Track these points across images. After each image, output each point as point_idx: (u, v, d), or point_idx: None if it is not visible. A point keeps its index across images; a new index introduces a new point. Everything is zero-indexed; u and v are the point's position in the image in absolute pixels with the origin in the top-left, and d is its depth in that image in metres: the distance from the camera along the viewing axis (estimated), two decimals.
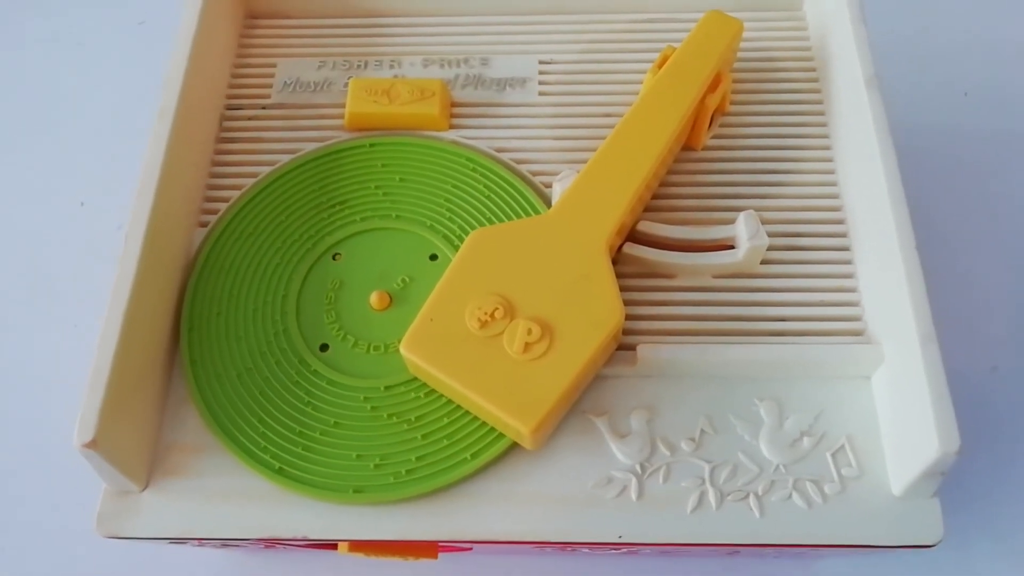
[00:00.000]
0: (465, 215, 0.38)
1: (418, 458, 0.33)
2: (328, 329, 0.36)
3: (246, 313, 0.36)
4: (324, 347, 0.36)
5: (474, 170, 0.39)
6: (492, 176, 0.39)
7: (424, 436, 0.33)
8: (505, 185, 0.39)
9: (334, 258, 0.37)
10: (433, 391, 0.34)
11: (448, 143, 0.40)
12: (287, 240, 0.38)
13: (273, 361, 0.35)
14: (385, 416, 0.34)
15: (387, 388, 0.35)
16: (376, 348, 0.35)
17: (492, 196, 0.38)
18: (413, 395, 0.34)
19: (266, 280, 0.37)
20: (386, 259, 0.37)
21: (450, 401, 0.34)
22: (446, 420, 0.34)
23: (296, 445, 0.33)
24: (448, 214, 0.38)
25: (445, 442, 0.33)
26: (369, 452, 0.33)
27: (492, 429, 0.33)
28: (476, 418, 0.33)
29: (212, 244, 0.38)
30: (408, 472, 0.33)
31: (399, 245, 0.38)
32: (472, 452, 0.33)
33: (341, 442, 0.34)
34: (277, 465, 0.33)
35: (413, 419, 0.34)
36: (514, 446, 0.33)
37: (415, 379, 0.34)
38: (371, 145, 0.40)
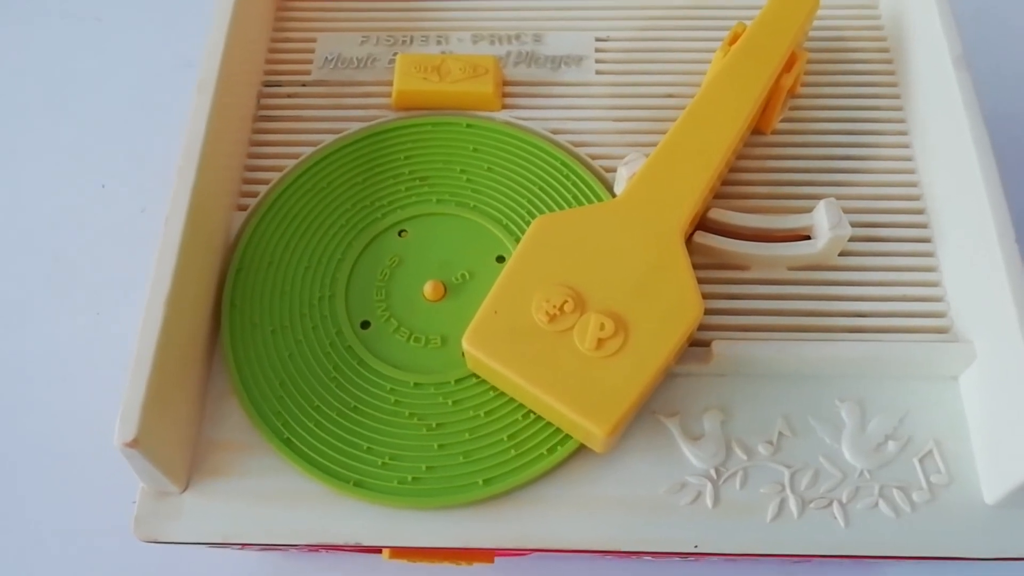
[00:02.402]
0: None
1: (428, 468, 0.31)
2: (374, 307, 0.34)
3: (297, 269, 0.34)
4: (365, 324, 0.34)
5: (567, 176, 0.36)
6: (561, 166, 0.36)
7: (440, 447, 0.31)
8: (564, 169, 0.36)
9: (400, 234, 0.35)
10: (461, 401, 0.32)
11: (541, 139, 0.37)
12: (356, 204, 0.36)
13: (311, 325, 0.33)
14: (406, 414, 0.32)
15: (416, 385, 0.32)
16: (417, 339, 0.33)
17: (555, 184, 0.36)
18: (441, 399, 0.32)
19: (326, 239, 0.35)
20: (452, 248, 0.35)
21: (476, 416, 0.32)
22: (468, 436, 0.31)
23: (308, 419, 0.31)
24: (528, 216, 0.35)
25: (461, 459, 0.31)
26: (380, 448, 0.31)
27: (514, 457, 0.31)
28: (497, 442, 0.31)
29: (267, 208, 0.36)
30: (414, 480, 0.31)
31: (469, 237, 0.35)
32: (485, 478, 0.31)
33: (355, 428, 0.31)
34: (285, 434, 0.31)
35: (434, 425, 0.32)
36: (575, 453, 0.31)
37: (446, 382, 0.32)
38: (467, 125, 0.38)
